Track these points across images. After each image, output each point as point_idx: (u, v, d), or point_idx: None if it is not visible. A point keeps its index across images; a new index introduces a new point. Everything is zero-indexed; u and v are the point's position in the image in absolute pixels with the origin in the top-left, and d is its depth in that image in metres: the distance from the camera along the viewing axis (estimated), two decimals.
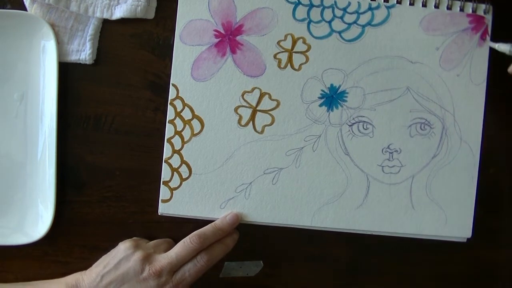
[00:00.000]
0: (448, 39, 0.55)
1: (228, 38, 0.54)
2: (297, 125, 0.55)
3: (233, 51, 0.54)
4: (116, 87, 0.55)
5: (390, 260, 0.59)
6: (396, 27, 0.55)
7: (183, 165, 0.54)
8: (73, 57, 0.54)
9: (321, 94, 0.55)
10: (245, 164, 0.55)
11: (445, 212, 0.56)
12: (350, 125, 0.55)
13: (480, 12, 0.55)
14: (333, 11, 0.55)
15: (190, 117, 0.54)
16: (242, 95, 0.55)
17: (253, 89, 0.55)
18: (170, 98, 0.54)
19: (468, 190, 0.56)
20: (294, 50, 0.55)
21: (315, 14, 0.55)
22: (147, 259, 0.50)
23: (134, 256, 0.50)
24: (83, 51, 0.54)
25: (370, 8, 0.55)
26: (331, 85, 0.55)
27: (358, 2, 0.55)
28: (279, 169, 0.55)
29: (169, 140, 0.54)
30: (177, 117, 0.54)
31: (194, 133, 0.54)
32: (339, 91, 0.55)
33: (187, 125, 0.54)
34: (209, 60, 0.54)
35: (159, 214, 0.54)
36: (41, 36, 0.54)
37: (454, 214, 0.56)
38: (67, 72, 0.55)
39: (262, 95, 0.55)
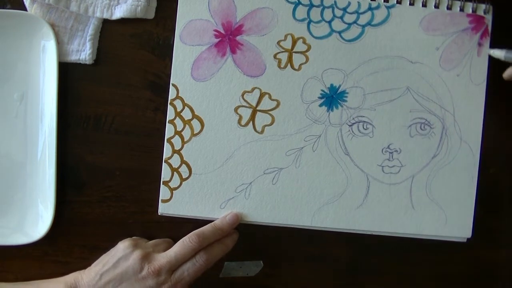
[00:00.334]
0: (448, 39, 0.55)
1: (228, 38, 0.54)
2: (297, 125, 0.55)
3: (233, 51, 0.54)
4: (116, 87, 0.55)
5: (390, 260, 0.59)
6: (396, 27, 0.55)
7: (183, 165, 0.54)
8: (73, 57, 0.54)
9: (321, 94, 0.55)
10: (245, 164, 0.55)
11: (445, 212, 0.56)
12: (350, 125, 0.55)
13: (480, 12, 0.55)
14: (333, 11, 0.55)
15: (190, 117, 0.54)
16: (242, 95, 0.55)
17: (253, 89, 0.55)
18: (170, 98, 0.54)
19: (468, 190, 0.56)
20: (294, 50, 0.55)
21: (315, 14, 0.55)
22: (146, 258, 0.50)
23: (133, 255, 0.50)
24: (83, 51, 0.54)
25: (370, 8, 0.55)
26: (331, 85, 0.55)
27: (358, 2, 0.55)
28: (279, 169, 0.55)
29: (169, 140, 0.54)
30: (177, 117, 0.54)
31: (194, 133, 0.54)
32: (339, 91, 0.55)
33: (187, 125, 0.54)
34: (209, 60, 0.54)
35: (159, 214, 0.54)
36: (41, 36, 0.54)
37: (454, 214, 0.56)
38: (67, 72, 0.55)
39: (262, 95, 0.55)
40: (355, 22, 0.55)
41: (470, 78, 0.56)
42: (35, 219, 0.55)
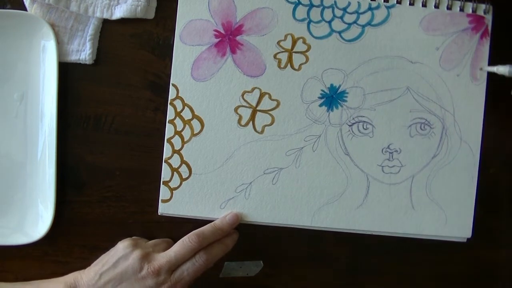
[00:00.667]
0: (448, 39, 0.55)
1: (228, 38, 0.54)
2: (297, 125, 0.55)
3: (233, 51, 0.54)
4: (116, 87, 0.55)
5: (390, 260, 0.59)
6: (396, 27, 0.55)
7: (183, 165, 0.54)
8: (73, 57, 0.54)
9: (321, 94, 0.55)
10: (245, 164, 0.55)
11: (445, 212, 0.56)
12: (350, 125, 0.55)
13: (480, 12, 0.55)
14: (333, 11, 0.55)
15: (190, 117, 0.54)
16: (242, 95, 0.55)
17: (253, 89, 0.55)
18: (170, 98, 0.54)
19: (468, 190, 0.56)
20: (294, 50, 0.55)
21: (315, 14, 0.55)
22: (145, 257, 0.50)
23: (132, 254, 0.50)
24: (83, 51, 0.54)
25: (370, 8, 0.55)
26: (331, 85, 0.55)
27: (358, 2, 0.55)
28: (279, 169, 0.55)
29: (169, 140, 0.54)
30: (177, 117, 0.54)
31: (194, 133, 0.54)
32: (339, 91, 0.55)
33: (187, 125, 0.54)
34: (209, 60, 0.54)
35: (159, 214, 0.54)
36: (41, 36, 0.54)
37: (454, 214, 0.56)
38: (67, 72, 0.55)
39: (262, 95, 0.55)
40: (355, 22, 0.55)
41: (470, 78, 0.56)
42: (35, 219, 0.55)
